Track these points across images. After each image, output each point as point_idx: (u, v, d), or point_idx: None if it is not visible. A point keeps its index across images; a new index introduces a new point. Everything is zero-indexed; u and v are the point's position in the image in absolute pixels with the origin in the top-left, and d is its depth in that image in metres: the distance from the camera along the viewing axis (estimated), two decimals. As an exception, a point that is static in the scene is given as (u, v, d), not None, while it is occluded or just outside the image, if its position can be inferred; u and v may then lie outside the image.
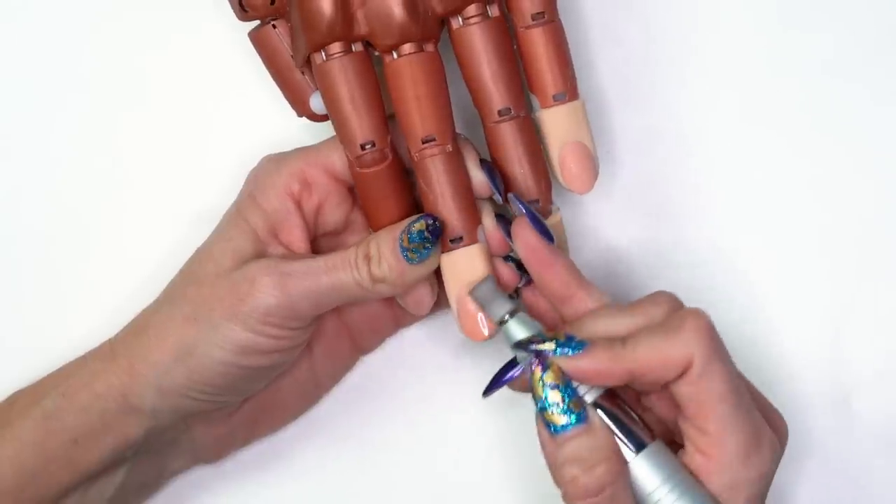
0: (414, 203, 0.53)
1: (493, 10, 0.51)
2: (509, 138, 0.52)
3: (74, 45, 0.58)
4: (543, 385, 0.47)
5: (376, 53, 0.52)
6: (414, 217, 0.50)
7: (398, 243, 0.50)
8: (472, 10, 0.51)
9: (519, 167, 0.52)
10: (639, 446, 0.47)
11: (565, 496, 0.47)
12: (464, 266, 0.51)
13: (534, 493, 0.57)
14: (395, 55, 0.51)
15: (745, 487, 0.47)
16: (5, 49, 0.58)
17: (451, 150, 0.51)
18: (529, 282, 0.52)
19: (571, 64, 0.53)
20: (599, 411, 0.48)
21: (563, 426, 0.47)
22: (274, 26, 0.53)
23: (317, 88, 0.52)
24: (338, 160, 0.52)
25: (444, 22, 0.52)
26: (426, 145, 0.51)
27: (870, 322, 0.58)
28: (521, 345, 0.48)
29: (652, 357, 0.46)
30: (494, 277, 0.51)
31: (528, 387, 0.48)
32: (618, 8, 0.58)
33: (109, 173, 0.58)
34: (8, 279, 0.58)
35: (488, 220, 0.52)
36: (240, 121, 0.58)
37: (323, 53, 0.51)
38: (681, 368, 0.46)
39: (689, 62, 0.58)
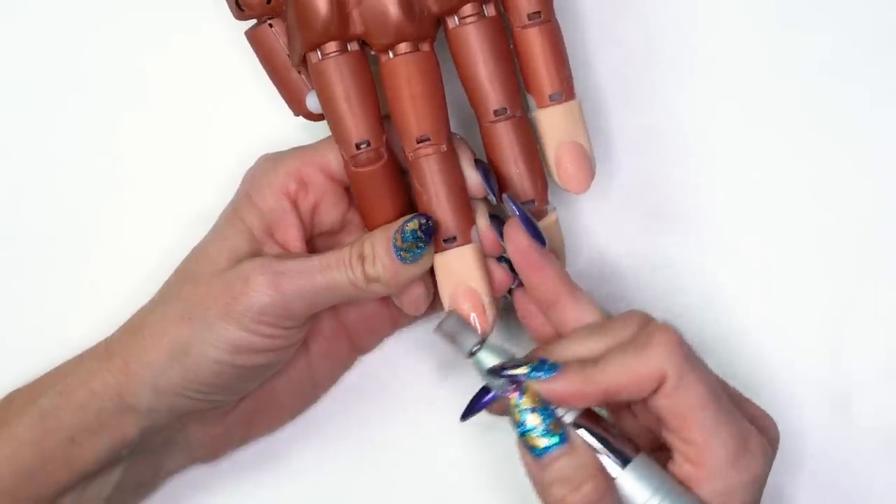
0: (409, 203, 0.53)
1: (490, 10, 0.51)
2: (505, 138, 0.52)
3: (73, 45, 0.58)
4: (521, 410, 0.47)
5: (372, 52, 0.52)
6: (408, 216, 0.50)
7: (392, 243, 0.50)
8: (468, 9, 0.51)
9: (515, 167, 0.52)
10: (624, 461, 0.48)
11: None
12: (457, 266, 0.51)
13: (532, 493, 0.57)
14: (390, 54, 0.51)
15: (738, 492, 0.47)
16: (5, 49, 0.58)
17: (445, 149, 0.51)
18: (521, 284, 0.52)
19: (568, 64, 0.52)
20: (580, 430, 0.48)
21: (545, 448, 0.47)
22: (270, 25, 0.53)
23: (313, 87, 0.52)
24: (334, 160, 0.52)
25: (440, 21, 0.52)
26: (421, 145, 0.51)
27: (870, 322, 0.58)
28: (493, 372, 0.48)
29: (624, 376, 0.47)
30: (483, 278, 0.51)
31: (504, 410, 0.48)
32: (616, 7, 0.58)
33: (108, 173, 0.58)
34: (7, 279, 0.58)
35: (482, 221, 0.52)
36: (237, 120, 0.58)
37: (319, 52, 0.51)
38: (655, 384, 0.47)
39: (687, 62, 0.58)
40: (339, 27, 0.50)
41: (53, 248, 0.58)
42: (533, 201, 0.52)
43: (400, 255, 0.50)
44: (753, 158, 0.58)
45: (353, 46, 0.51)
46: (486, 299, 0.51)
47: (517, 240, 0.50)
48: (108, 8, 0.58)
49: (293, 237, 0.52)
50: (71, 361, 0.53)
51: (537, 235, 0.50)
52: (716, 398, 0.47)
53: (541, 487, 0.48)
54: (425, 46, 0.51)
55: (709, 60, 0.58)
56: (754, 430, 0.48)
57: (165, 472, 0.55)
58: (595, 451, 0.48)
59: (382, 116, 0.52)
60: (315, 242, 0.54)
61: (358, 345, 0.57)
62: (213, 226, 0.53)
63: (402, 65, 0.51)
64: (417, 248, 0.50)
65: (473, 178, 0.52)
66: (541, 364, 0.48)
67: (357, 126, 0.51)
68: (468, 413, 0.51)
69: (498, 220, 0.52)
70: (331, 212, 0.53)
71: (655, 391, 0.47)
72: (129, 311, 0.53)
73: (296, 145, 0.54)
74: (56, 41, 0.58)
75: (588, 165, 0.52)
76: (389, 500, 0.58)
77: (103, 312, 0.55)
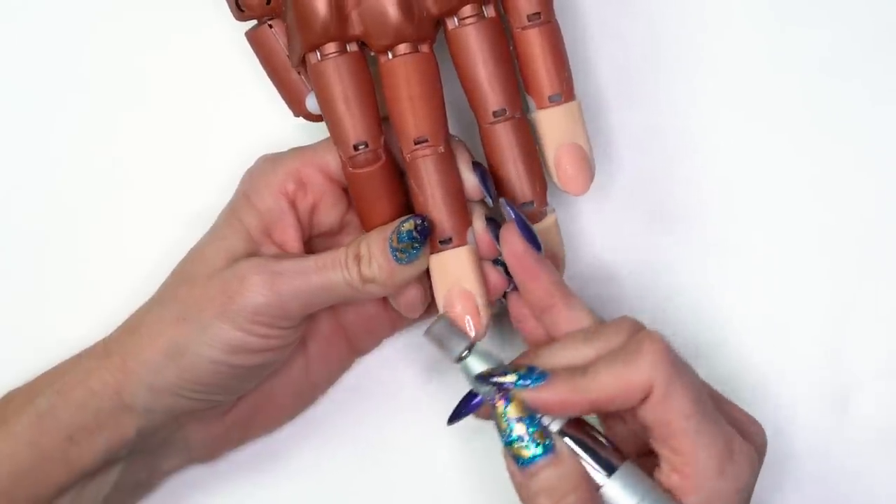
0: (407, 204, 0.52)
1: (489, 11, 0.51)
2: (504, 139, 0.52)
3: (73, 46, 0.58)
4: (507, 419, 0.47)
5: (372, 54, 0.52)
6: (404, 217, 0.50)
7: (388, 243, 0.50)
8: (467, 10, 0.51)
9: (514, 168, 0.52)
10: (609, 469, 0.47)
11: None
12: (452, 267, 0.51)
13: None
14: (389, 55, 0.51)
15: (724, 501, 0.47)
16: (5, 49, 0.58)
17: (443, 151, 0.51)
18: (516, 287, 0.52)
19: (568, 65, 0.52)
20: (566, 439, 0.48)
21: (530, 458, 0.47)
22: (270, 26, 0.53)
23: (313, 88, 0.52)
24: (333, 160, 0.52)
25: (439, 22, 0.52)
26: (418, 146, 0.51)
27: (870, 322, 0.58)
28: (481, 378, 0.48)
29: (612, 385, 0.46)
30: (479, 281, 0.51)
31: (492, 415, 0.48)
32: (616, 5, 0.57)
33: (107, 173, 0.58)
34: (6, 278, 0.58)
35: (478, 224, 0.52)
36: (237, 120, 0.58)
37: (318, 53, 0.51)
38: (642, 394, 0.46)
39: (688, 61, 0.58)
40: (338, 28, 0.50)
41: (53, 248, 0.58)
42: (532, 203, 0.52)
43: (396, 255, 0.50)
44: (754, 158, 0.58)
45: (352, 47, 0.51)
46: (480, 301, 0.51)
47: (512, 243, 0.50)
48: (108, 8, 0.58)
49: (291, 238, 0.52)
50: (69, 361, 0.53)
51: (533, 240, 0.50)
52: (701, 407, 0.47)
53: (526, 497, 0.48)
54: (424, 47, 0.51)
55: (709, 59, 0.58)
56: (740, 437, 0.48)
57: (163, 472, 0.55)
58: (581, 459, 0.47)
59: (381, 118, 0.52)
60: (314, 243, 0.54)
61: (356, 346, 0.57)
62: (211, 226, 0.53)
63: (400, 66, 0.51)
64: (413, 248, 0.50)
65: (470, 180, 0.52)
66: (529, 372, 0.47)
67: (355, 127, 0.51)
68: (455, 417, 0.51)
69: (494, 223, 0.52)
70: (329, 212, 0.53)
71: (642, 401, 0.47)
72: (129, 311, 0.53)
73: (295, 146, 0.54)
74: (55, 41, 0.58)
75: (587, 167, 0.52)
76: (388, 500, 0.58)
77: (102, 312, 0.55)
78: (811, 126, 0.58)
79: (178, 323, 0.50)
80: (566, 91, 0.52)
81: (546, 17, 0.52)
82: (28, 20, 0.58)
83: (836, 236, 0.58)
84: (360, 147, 0.51)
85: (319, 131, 0.53)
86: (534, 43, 0.52)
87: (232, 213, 0.52)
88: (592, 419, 0.50)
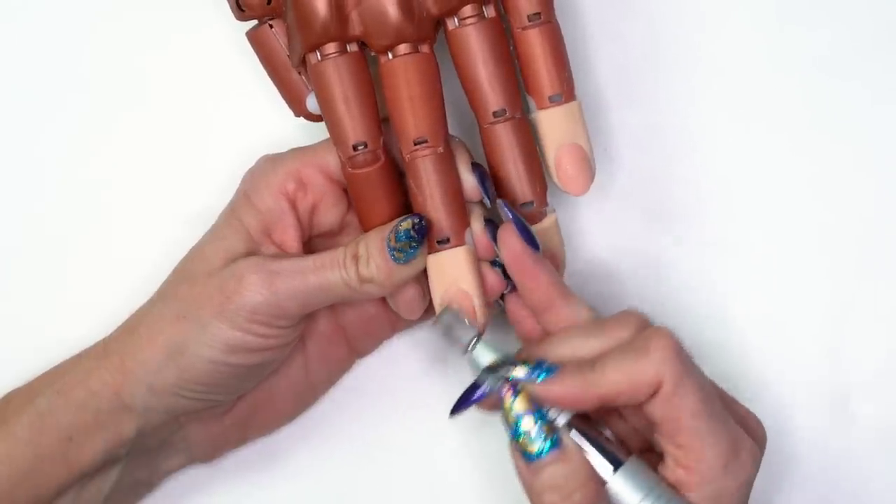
0: (406, 205, 0.52)
1: (490, 11, 0.51)
2: (504, 140, 0.52)
3: (73, 45, 0.58)
4: (515, 412, 0.47)
5: (372, 54, 0.52)
6: (402, 217, 0.50)
7: (386, 243, 0.50)
8: (467, 10, 0.51)
9: (514, 169, 0.52)
10: (616, 464, 0.47)
11: None
12: (449, 267, 0.51)
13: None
14: (390, 56, 0.51)
15: (728, 497, 0.47)
16: (5, 49, 0.58)
17: (442, 151, 0.51)
18: (514, 288, 0.52)
19: (568, 65, 0.52)
20: (573, 433, 0.48)
21: (537, 453, 0.47)
22: (271, 26, 0.53)
23: (313, 88, 0.52)
24: (333, 161, 0.52)
25: (439, 23, 0.51)
26: (418, 147, 0.51)
27: (869, 321, 0.58)
28: (490, 370, 0.48)
29: (621, 381, 0.46)
30: (476, 282, 0.51)
31: (495, 407, 0.48)
32: (615, 6, 0.57)
33: (108, 173, 0.58)
34: (6, 278, 0.58)
35: (477, 224, 0.52)
36: (238, 120, 0.58)
37: (318, 53, 0.51)
38: (651, 389, 0.47)
39: (688, 60, 0.58)
40: (338, 28, 0.50)
41: (53, 247, 0.58)
42: (532, 203, 0.52)
43: (393, 255, 0.50)
44: (753, 157, 0.58)
45: (352, 48, 0.51)
46: (477, 301, 0.51)
47: (511, 243, 0.50)
48: (108, 9, 0.58)
49: (290, 237, 0.52)
50: (69, 360, 0.53)
51: (531, 240, 0.50)
52: (710, 404, 0.47)
53: (532, 493, 0.48)
54: (425, 48, 0.51)
55: (708, 59, 0.58)
56: (745, 435, 0.48)
57: (163, 472, 0.55)
58: (587, 453, 0.47)
59: (381, 118, 0.52)
60: (314, 244, 0.54)
61: (356, 348, 0.57)
62: (212, 226, 0.53)
63: (400, 66, 0.51)
64: (410, 247, 0.50)
65: (469, 181, 0.52)
66: (538, 365, 0.47)
67: (354, 127, 0.51)
68: (457, 409, 0.50)
69: (493, 224, 0.52)
70: (330, 213, 0.53)
71: (651, 397, 0.47)
72: (129, 311, 0.53)
73: (296, 146, 0.54)
74: (55, 41, 0.58)
75: (588, 167, 0.52)
76: (387, 500, 0.58)
77: (103, 312, 0.55)
78: (810, 125, 0.58)
79: (178, 321, 0.50)
80: (566, 91, 0.52)
81: (546, 18, 0.52)
82: (28, 20, 0.58)
83: (835, 235, 0.58)
84: (360, 147, 0.51)
85: (320, 131, 0.53)
86: (534, 43, 0.52)
87: (232, 212, 0.52)
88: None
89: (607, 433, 0.49)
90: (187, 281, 0.51)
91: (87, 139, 0.58)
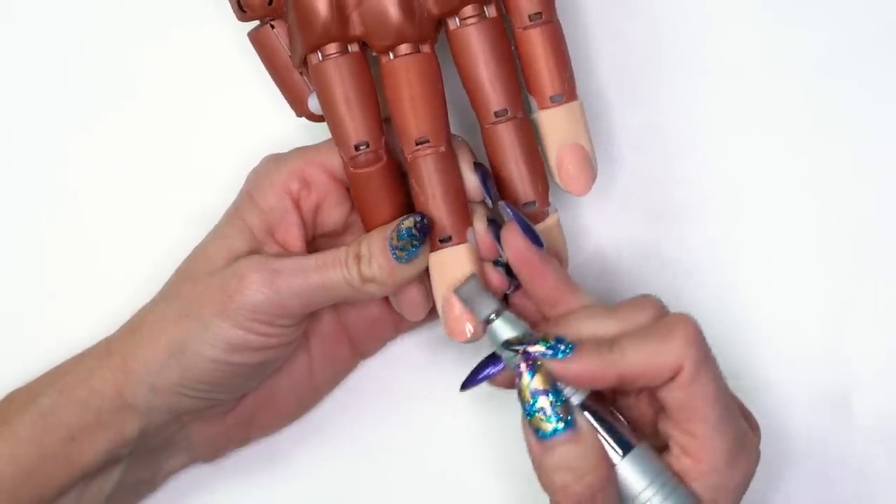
0: (408, 205, 0.52)
1: (491, 11, 0.51)
2: (506, 140, 0.52)
3: (74, 45, 0.58)
4: (532, 389, 0.47)
5: (373, 54, 0.52)
6: (404, 216, 0.50)
7: (388, 242, 0.50)
8: (468, 10, 0.51)
9: (516, 169, 0.52)
10: (626, 448, 0.47)
11: (555, 503, 0.47)
12: (451, 265, 0.51)
13: (529, 493, 0.57)
14: (391, 56, 0.51)
15: (730, 489, 0.47)
16: (5, 47, 0.58)
17: (444, 151, 0.51)
18: (517, 287, 0.51)
19: (570, 65, 0.52)
20: (587, 413, 0.47)
21: (551, 432, 0.47)
22: (272, 26, 0.53)
23: (314, 88, 0.52)
24: (337, 160, 0.52)
25: (441, 22, 0.52)
26: (420, 146, 0.51)
27: (869, 321, 0.58)
28: (508, 345, 0.48)
29: (642, 362, 0.46)
30: (479, 277, 0.50)
31: (507, 383, 0.48)
32: (617, 6, 0.57)
33: (110, 173, 0.58)
34: (7, 278, 0.58)
35: (479, 224, 0.51)
36: (240, 121, 0.58)
37: (319, 54, 0.51)
38: (670, 374, 0.46)
39: (689, 60, 0.58)
40: (339, 28, 0.50)
41: (55, 247, 0.58)
42: (534, 203, 0.52)
43: (395, 254, 0.50)
44: (754, 157, 0.58)
45: (353, 48, 0.51)
46: None
47: (515, 242, 0.50)
48: (107, 7, 0.58)
49: (294, 237, 0.52)
50: (71, 360, 0.53)
51: (535, 238, 0.50)
52: (724, 396, 0.47)
53: (543, 471, 0.47)
54: (426, 48, 0.51)
55: (710, 59, 0.58)
56: (750, 431, 0.48)
57: (166, 472, 0.55)
58: (599, 435, 0.47)
59: (383, 118, 0.52)
60: (317, 243, 0.54)
61: (359, 348, 0.57)
62: (215, 225, 0.53)
63: (402, 66, 0.51)
64: (412, 246, 0.50)
65: (471, 180, 0.52)
66: (557, 342, 0.47)
67: (356, 128, 0.51)
68: (469, 383, 0.50)
69: (496, 224, 0.51)
70: (333, 212, 0.53)
71: (668, 381, 0.47)
72: (132, 311, 0.53)
73: (298, 146, 0.54)
74: (55, 40, 0.58)
75: (589, 167, 0.52)
76: (386, 500, 0.58)
77: (105, 312, 0.55)
78: (811, 125, 0.58)
79: (180, 320, 0.50)
80: (568, 91, 0.52)
81: (548, 17, 0.52)
82: (27, 18, 0.58)
83: (835, 235, 0.58)
84: (361, 147, 0.51)
85: (322, 131, 0.53)
86: (535, 43, 0.52)
87: (235, 212, 0.52)
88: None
89: (620, 416, 0.48)
90: (190, 280, 0.51)
91: (90, 138, 0.58)
